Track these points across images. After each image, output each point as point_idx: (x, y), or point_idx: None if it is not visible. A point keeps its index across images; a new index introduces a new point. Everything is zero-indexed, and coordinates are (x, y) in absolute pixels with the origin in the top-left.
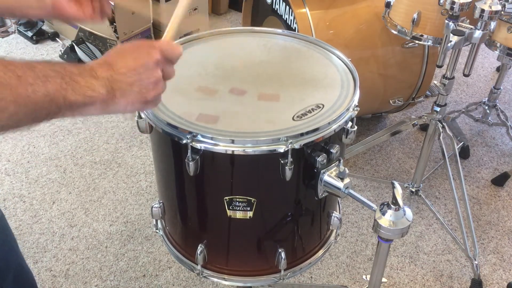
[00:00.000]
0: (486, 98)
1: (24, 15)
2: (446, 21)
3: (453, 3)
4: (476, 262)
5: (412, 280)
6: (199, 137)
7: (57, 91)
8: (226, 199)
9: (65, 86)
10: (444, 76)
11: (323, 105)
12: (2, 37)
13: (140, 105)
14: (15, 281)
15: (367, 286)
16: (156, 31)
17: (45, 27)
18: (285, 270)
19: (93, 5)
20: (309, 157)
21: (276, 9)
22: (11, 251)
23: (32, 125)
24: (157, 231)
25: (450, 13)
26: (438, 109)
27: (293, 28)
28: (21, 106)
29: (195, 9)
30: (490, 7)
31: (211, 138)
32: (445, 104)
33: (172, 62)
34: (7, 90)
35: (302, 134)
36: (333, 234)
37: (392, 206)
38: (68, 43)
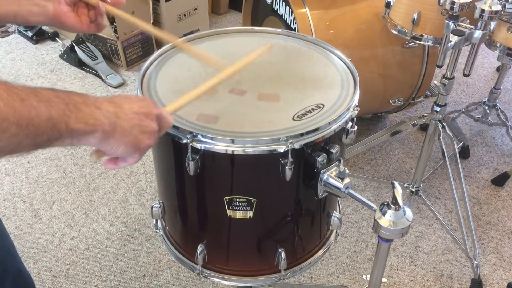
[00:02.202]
0: (486, 98)
1: (26, 22)
2: (446, 21)
3: (453, 3)
4: (476, 262)
5: (412, 280)
6: (199, 137)
7: (60, 117)
8: (226, 199)
9: (68, 113)
10: (444, 76)
11: (323, 105)
12: (2, 37)
13: (131, 150)
14: (14, 286)
15: (367, 286)
16: None
17: (45, 27)
18: (285, 270)
19: (90, 16)
20: (309, 157)
21: (276, 9)
22: (9, 255)
23: (31, 150)
24: (157, 231)
25: (450, 13)
26: (438, 109)
27: (293, 28)
28: (22, 128)
29: (195, 9)
30: (490, 7)
31: (211, 138)
32: (445, 104)
33: (161, 130)
34: (11, 111)
35: (302, 134)
36: (333, 234)
37: (392, 206)
38: (68, 43)
